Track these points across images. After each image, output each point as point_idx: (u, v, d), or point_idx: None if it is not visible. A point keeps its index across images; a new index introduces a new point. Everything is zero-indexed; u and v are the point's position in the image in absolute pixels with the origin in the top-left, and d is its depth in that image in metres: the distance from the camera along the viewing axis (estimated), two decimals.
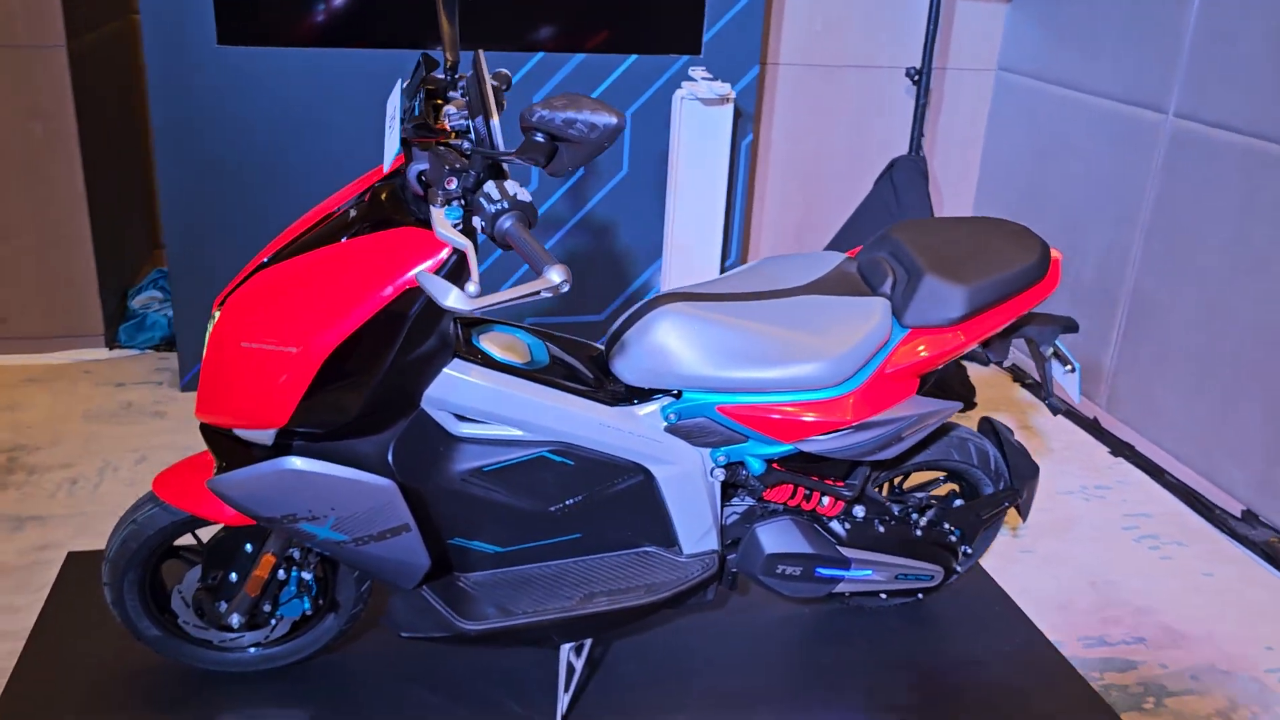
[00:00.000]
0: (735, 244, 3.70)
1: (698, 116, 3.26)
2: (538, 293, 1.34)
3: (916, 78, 3.69)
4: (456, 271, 1.53)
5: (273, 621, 1.96)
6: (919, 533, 2.17)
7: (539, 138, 1.31)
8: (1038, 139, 3.75)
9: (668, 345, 1.83)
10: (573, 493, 1.88)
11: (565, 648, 1.97)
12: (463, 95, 1.62)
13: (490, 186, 1.44)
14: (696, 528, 1.97)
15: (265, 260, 1.67)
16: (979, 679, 2.20)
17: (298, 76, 3.13)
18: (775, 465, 1.97)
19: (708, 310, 1.86)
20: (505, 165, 1.51)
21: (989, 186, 4.06)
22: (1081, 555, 2.80)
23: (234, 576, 1.87)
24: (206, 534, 2.20)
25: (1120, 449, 3.37)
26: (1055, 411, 2.12)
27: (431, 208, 1.45)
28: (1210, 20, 3.00)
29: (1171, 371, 3.19)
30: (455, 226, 1.44)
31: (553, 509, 1.88)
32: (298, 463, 1.63)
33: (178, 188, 3.17)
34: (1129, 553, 2.84)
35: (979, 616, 2.41)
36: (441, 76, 1.69)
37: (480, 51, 1.73)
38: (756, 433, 1.86)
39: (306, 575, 1.91)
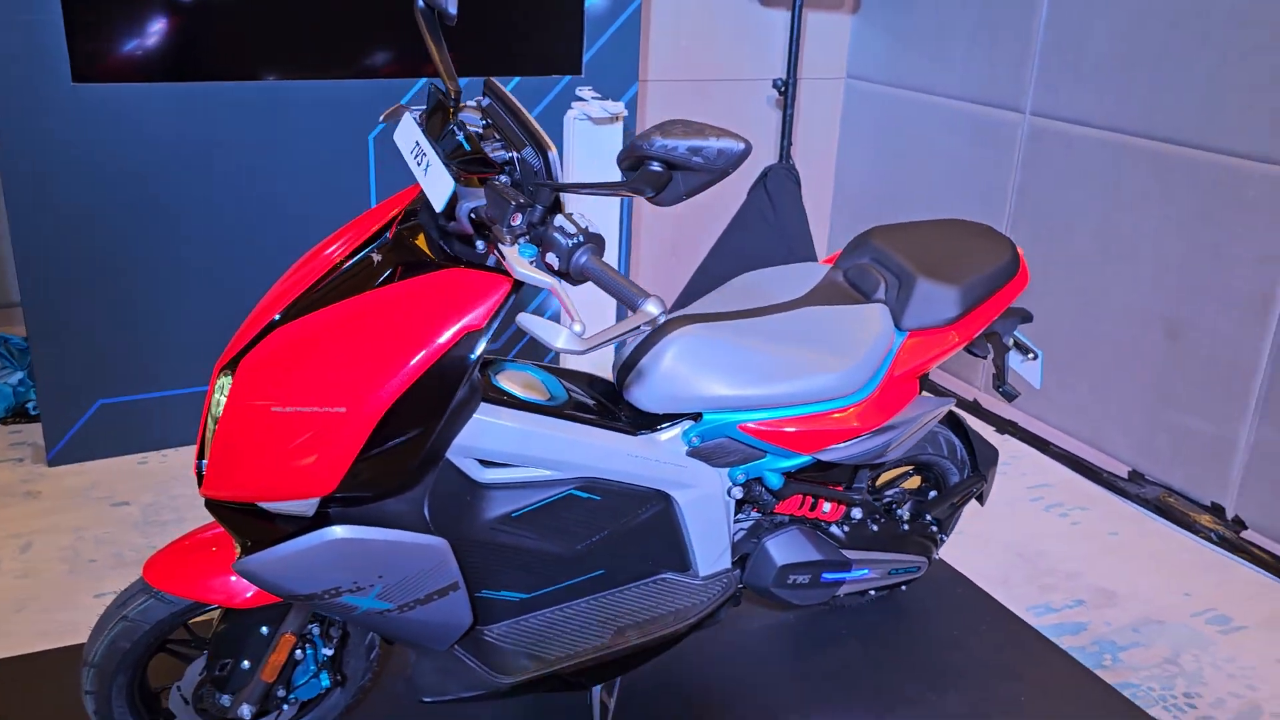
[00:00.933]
0: (624, 261, 3.70)
1: (589, 136, 3.25)
2: (637, 327, 1.30)
3: (783, 88, 3.81)
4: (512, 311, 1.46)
5: (284, 706, 1.80)
6: (905, 527, 2.24)
7: (655, 167, 1.26)
8: (894, 142, 3.95)
9: (688, 369, 1.81)
10: (599, 529, 1.83)
11: (597, 688, 1.91)
12: (485, 125, 1.54)
13: (562, 220, 1.38)
14: (713, 549, 1.96)
15: (276, 318, 1.54)
16: (968, 658, 2.30)
17: (165, 115, 2.90)
18: (789, 477, 1.99)
19: (720, 331, 1.85)
20: (561, 197, 1.45)
21: (847, 191, 4.24)
22: (1003, 530, 2.97)
23: (245, 664, 1.71)
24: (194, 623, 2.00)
25: (1005, 427, 3.60)
26: (1009, 399, 2.24)
27: (502, 248, 1.37)
28: (1059, 23, 3.26)
29: (1050, 353, 3.44)
30: (532, 264, 1.37)
31: (579, 548, 1.83)
32: (341, 531, 1.50)
33: (34, 241, 2.86)
34: (1042, 522, 3.03)
35: (947, 600, 2.51)
36: (449, 107, 1.60)
37: (492, 79, 1.65)
38: (777, 447, 1.87)
39: (327, 651, 1.77)
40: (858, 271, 2.04)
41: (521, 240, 1.38)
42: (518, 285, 1.47)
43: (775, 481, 1.91)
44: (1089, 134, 3.19)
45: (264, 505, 1.53)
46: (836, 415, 1.88)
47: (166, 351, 3.10)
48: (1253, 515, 2.88)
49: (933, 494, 2.31)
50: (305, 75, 3.03)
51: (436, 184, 1.42)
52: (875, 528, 2.18)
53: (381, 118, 1.83)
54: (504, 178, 1.45)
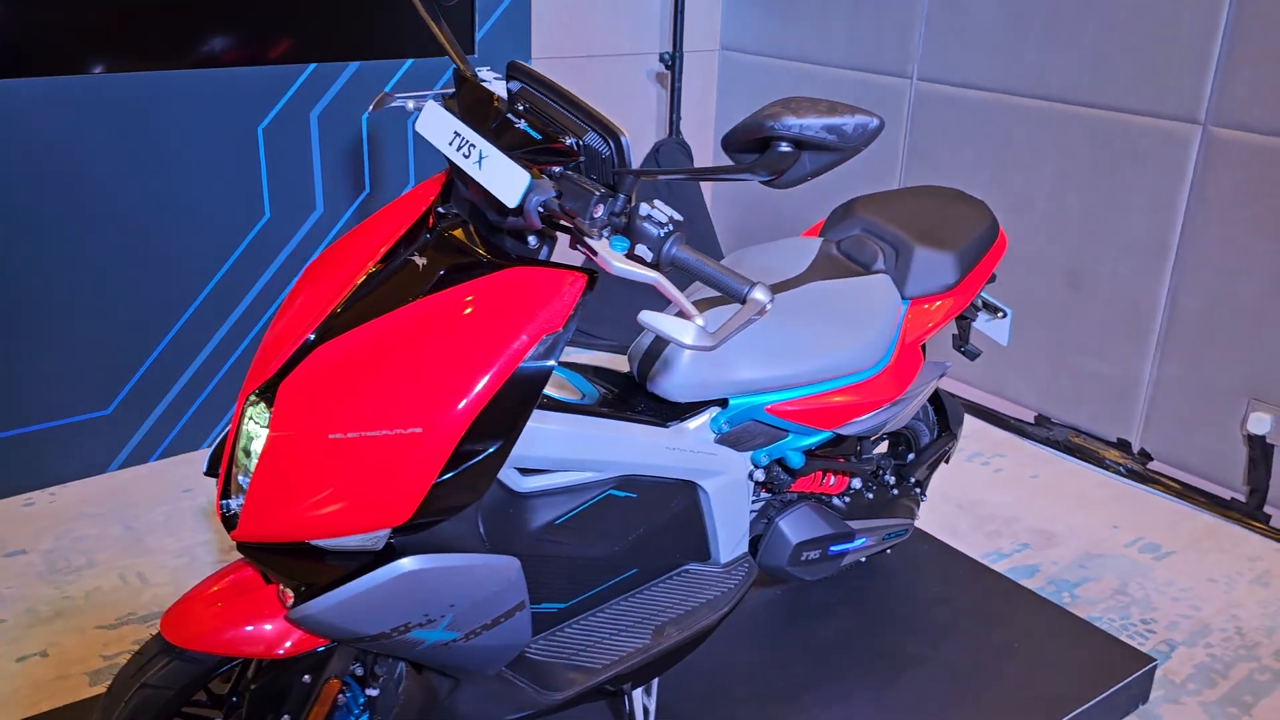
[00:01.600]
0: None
1: None
2: (751, 318, 1.24)
3: (669, 62, 3.77)
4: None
5: None
6: (895, 492, 2.27)
7: (785, 148, 1.19)
8: (768, 91, 3.98)
9: (715, 355, 1.76)
10: (635, 527, 1.76)
11: (638, 692, 1.85)
12: (522, 109, 1.42)
13: (648, 209, 1.29)
14: (734, 534, 1.92)
15: (312, 337, 1.38)
16: (955, 612, 2.36)
17: (22, 116, 2.58)
18: (809, 455, 1.97)
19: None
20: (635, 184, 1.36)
21: (727, 163, 4.26)
22: (937, 484, 3.08)
23: (286, 718, 1.54)
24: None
25: None
26: (971, 358, 2.30)
27: (591, 243, 1.27)
28: None
29: None
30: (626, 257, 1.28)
31: (616, 549, 1.75)
32: (411, 563, 1.37)
33: None
34: (968, 472, 3.15)
35: (918, 559, 2.56)
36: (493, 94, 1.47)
37: (516, 61, 1.54)
38: (802, 425, 1.85)
39: (371, 692, 1.62)
40: (853, 243, 2.04)
41: (607, 233, 1.29)
42: (593, 280, 1.38)
43: (797, 461, 1.89)
44: (979, 96, 3.31)
45: (318, 543, 1.38)
46: (859, 388, 1.88)
47: (46, 380, 2.78)
48: (1157, 447, 3.09)
49: (910, 456, 2.36)
50: (181, 65, 2.76)
51: (504, 178, 1.30)
52: (870, 496, 2.20)
53: (371, 108, 1.68)
54: (559, 169, 1.35)
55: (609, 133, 1.32)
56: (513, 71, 1.49)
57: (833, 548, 2.10)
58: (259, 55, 2.88)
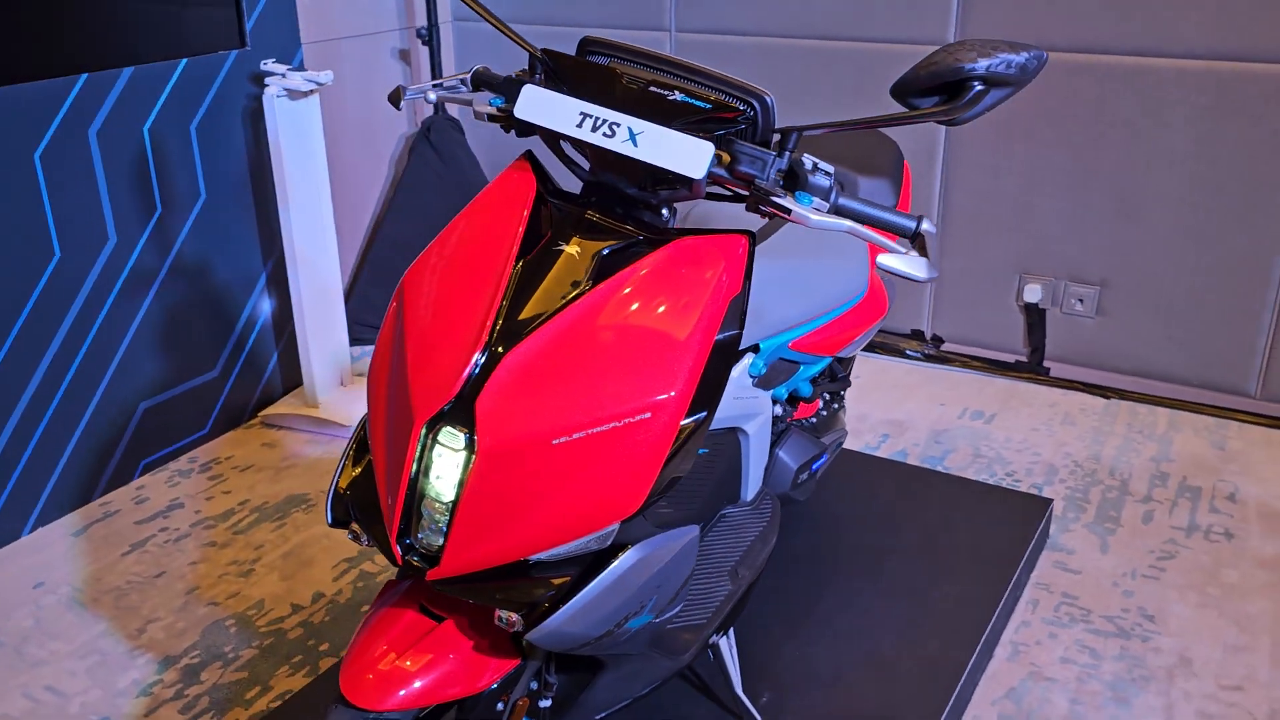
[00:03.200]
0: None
1: (291, 112, 2.90)
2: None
3: (426, 36, 3.66)
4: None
5: None
6: (836, 405, 2.46)
7: (978, 87, 1.27)
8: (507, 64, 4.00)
9: (753, 303, 1.83)
10: (705, 482, 1.81)
11: (721, 640, 1.91)
12: (650, 83, 1.38)
13: (810, 162, 1.34)
14: (757, 472, 2.02)
15: (494, 346, 1.30)
16: (889, 503, 2.62)
17: None
18: (813, 383, 2.10)
19: (757, 260, 1.89)
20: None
21: (479, 132, 4.20)
22: None
23: None
24: None
25: None
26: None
27: (780, 200, 1.29)
28: None
29: None
30: (819, 210, 1.31)
31: (693, 506, 1.80)
32: (636, 551, 1.34)
33: None
34: (866, 387, 3.45)
35: (857, 476, 2.78)
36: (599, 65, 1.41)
37: (593, 36, 1.50)
38: (813, 355, 1.97)
39: (545, 703, 1.55)
40: None
41: (784, 191, 1.32)
42: (753, 239, 1.41)
43: (808, 390, 2.02)
44: (740, 41, 3.56)
45: (539, 557, 1.32)
46: (855, 312, 2.04)
47: None
48: (947, 330, 3.56)
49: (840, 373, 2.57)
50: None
51: (680, 151, 1.29)
52: (825, 412, 2.38)
53: (389, 97, 1.56)
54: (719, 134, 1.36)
55: (749, 94, 1.36)
56: (591, 46, 1.46)
57: (814, 466, 2.26)
58: (22, 69, 2.46)
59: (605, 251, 1.37)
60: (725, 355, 1.37)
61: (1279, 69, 2.87)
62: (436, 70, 3.71)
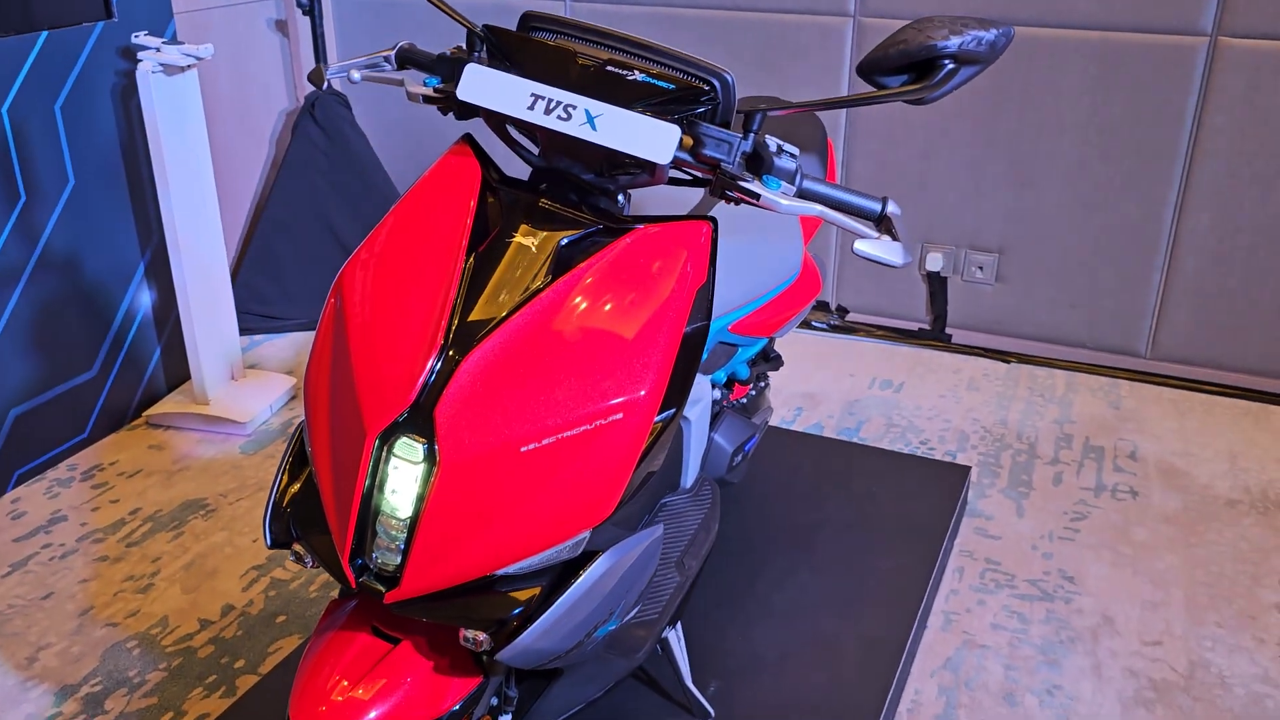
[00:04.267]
0: None
1: (168, 89, 2.70)
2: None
3: (307, 6, 3.45)
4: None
5: None
6: (764, 384, 2.43)
7: (949, 65, 1.21)
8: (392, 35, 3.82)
9: None
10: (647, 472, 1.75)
11: (670, 633, 1.86)
12: (603, 60, 1.29)
13: (774, 144, 1.28)
14: (696, 459, 1.98)
15: (451, 349, 1.20)
16: (814, 478, 2.60)
17: None
18: (751, 365, 2.05)
19: None
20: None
21: (364, 104, 4.01)
22: None
23: None
24: None
25: None
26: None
27: (747, 185, 1.22)
28: None
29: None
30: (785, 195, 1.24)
31: (641, 501, 1.74)
32: (608, 558, 1.27)
33: None
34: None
35: (778, 452, 2.75)
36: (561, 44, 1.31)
37: (533, 10, 1.40)
38: (750, 338, 1.93)
39: (505, 718, 1.47)
40: None
41: (750, 175, 1.26)
42: (715, 225, 1.34)
43: (745, 373, 1.98)
44: (635, 11, 3.47)
45: (505, 571, 1.24)
46: (789, 292, 2.00)
47: None
48: (851, 301, 3.58)
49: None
50: None
51: (643, 135, 1.21)
52: (754, 391, 2.35)
53: (309, 77, 1.44)
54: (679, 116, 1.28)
55: (711, 73, 1.29)
56: (535, 22, 1.37)
57: (747, 447, 2.23)
58: None
59: (563, 242, 1.28)
60: (693, 347, 1.31)
61: (1166, 40, 2.95)
62: (319, 43, 3.51)
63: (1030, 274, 3.31)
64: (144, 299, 2.99)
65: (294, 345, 3.49)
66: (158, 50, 2.64)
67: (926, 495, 2.54)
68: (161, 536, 2.54)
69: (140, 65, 2.63)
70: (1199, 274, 3.13)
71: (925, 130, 3.27)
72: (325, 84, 1.43)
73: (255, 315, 3.52)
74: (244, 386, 3.07)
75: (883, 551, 2.35)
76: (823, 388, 3.24)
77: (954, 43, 1.21)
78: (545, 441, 1.19)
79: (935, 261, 3.39)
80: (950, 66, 1.23)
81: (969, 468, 2.66)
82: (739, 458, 2.17)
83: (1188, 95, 2.98)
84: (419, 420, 1.19)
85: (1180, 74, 2.96)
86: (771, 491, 2.56)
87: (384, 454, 1.20)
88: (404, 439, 1.19)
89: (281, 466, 1.37)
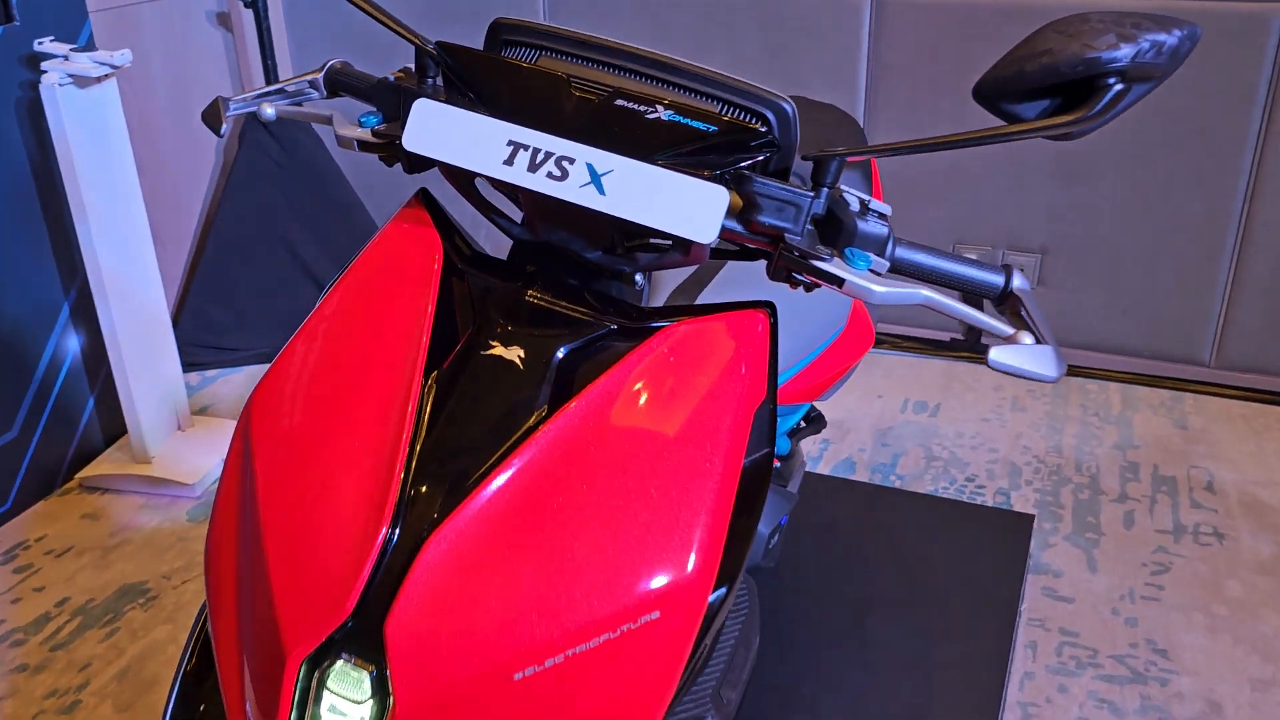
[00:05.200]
0: None
1: (81, 103, 2.29)
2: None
3: (254, 3, 3.04)
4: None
5: None
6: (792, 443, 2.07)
7: (1116, 85, 0.84)
8: (350, 36, 3.42)
9: None
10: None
11: None
12: (608, 88, 0.91)
13: (855, 202, 0.90)
14: None
15: (407, 521, 0.82)
16: (859, 538, 2.25)
17: None
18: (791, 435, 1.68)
19: None
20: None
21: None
22: None
23: None
24: None
25: None
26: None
27: (825, 266, 0.85)
28: None
29: None
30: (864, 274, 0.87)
31: None
32: None
33: None
34: None
35: (810, 503, 2.39)
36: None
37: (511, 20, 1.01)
38: (790, 405, 1.56)
39: None
40: None
41: (827, 250, 0.88)
42: (774, 312, 0.96)
43: (786, 446, 1.61)
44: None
45: None
46: (835, 348, 1.62)
47: None
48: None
49: None
50: None
51: (675, 202, 0.83)
52: (790, 456, 1.99)
53: (203, 117, 1.05)
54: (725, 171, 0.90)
55: (765, 104, 0.91)
56: (509, 34, 0.98)
57: (783, 521, 1.87)
58: None
59: (562, 353, 0.90)
60: (754, 486, 0.94)
61: (1235, 6, 2.57)
62: (264, 38, 3.10)
63: (1078, 277, 2.94)
64: (70, 344, 2.60)
65: (250, 380, 3.10)
66: (65, 59, 2.24)
67: (987, 554, 2.19)
68: (92, 635, 2.15)
69: (45, 77, 2.22)
70: (1271, 273, 2.76)
71: (956, 116, 2.88)
72: (224, 126, 1.04)
73: (207, 348, 3.12)
74: (192, 438, 2.68)
75: (946, 634, 1.99)
76: (850, 413, 2.87)
77: (1125, 53, 0.83)
78: (549, 663, 0.81)
79: None
80: (1119, 87, 0.85)
81: (1032, 516, 2.30)
82: (775, 538, 1.81)
83: (1259, 72, 2.60)
84: (363, 635, 0.81)
85: (1252, 47, 2.58)
86: (806, 561, 2.20)
87: (313, 687, 0.82)
88: (341, 664, 0.81)
89: (181, 664, 0.99)
